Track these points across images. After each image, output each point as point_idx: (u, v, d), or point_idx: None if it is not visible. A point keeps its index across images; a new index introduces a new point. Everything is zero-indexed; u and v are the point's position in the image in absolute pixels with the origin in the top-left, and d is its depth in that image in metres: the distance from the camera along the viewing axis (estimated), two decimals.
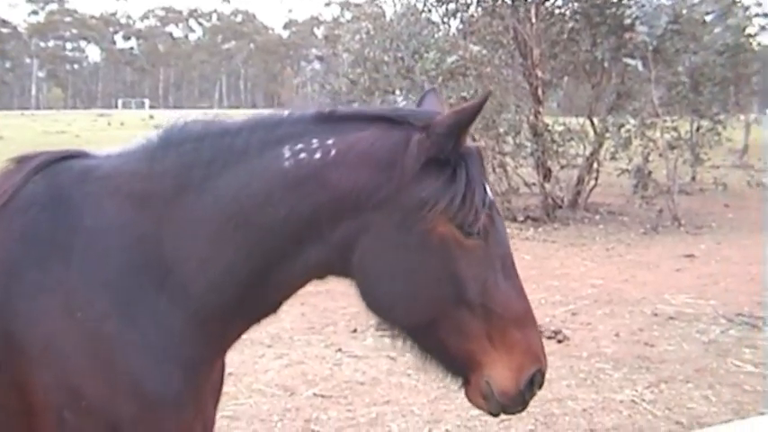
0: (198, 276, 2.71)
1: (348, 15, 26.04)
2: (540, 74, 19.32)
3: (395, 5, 22.79)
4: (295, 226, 2.69)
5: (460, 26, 21.44)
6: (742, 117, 29.73)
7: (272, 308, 2.88)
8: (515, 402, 2.76)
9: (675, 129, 18.84)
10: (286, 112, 2.87)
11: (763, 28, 22.33)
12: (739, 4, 21.33)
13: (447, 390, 6.43)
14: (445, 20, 21.65)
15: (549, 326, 9.60)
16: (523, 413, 7.03)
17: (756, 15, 21.90)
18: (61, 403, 2.60)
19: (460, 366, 2.74)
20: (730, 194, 20.67)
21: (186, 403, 2.74)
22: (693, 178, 23.05)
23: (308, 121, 2.79)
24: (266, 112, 2.99)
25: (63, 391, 2.60)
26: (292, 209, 2.68)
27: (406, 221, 2.63)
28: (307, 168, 2.68)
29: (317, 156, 2.69)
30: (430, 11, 21.53)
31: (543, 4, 19.94)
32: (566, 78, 21.10)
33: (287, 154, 2.70)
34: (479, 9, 20.85)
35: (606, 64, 19.39)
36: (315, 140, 2.72)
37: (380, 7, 24.86)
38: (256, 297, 2.79)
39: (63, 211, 2.73)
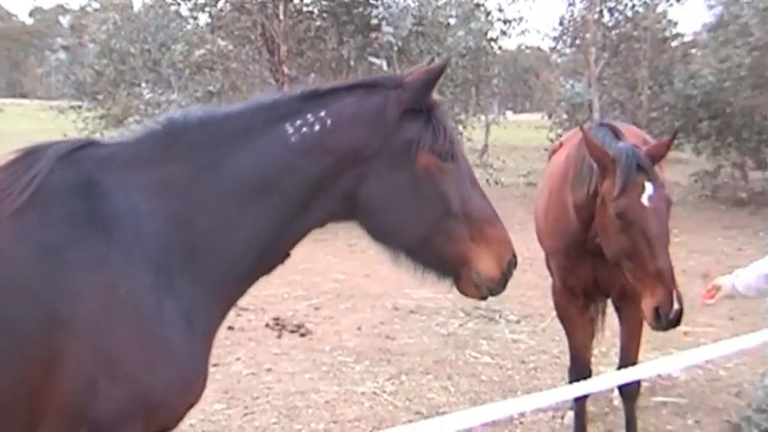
0: (226, 246, 3.19)
1: (95, 5, 25.13)
2: (286, 70, 19.60)
3: None
4: (306, 187, 3.26)
5: (209, 20, 21.37)
6: (483, 117, 31.39)
7: (282, 259, 3.43)
8: (500, 285, 3.44)
9: None
10: (278, 95, 3.44)
11: (503, 32, 23.70)
12: (482, 9, 22.57)
13: None
14: (193, 13, 21.51)
15: (291, 320, 9.80)
16: (267, 406, 7.14)
17: (498, 20, 23.23)
18: (97, 373, 2.92)
19: (453, 267, 3.39)
20: None
21: (205, 365, 3.24)
22: None
23: (299, 99, 3.34)
24: (260, 96, 3.50)
25: (100, 362, 2.92)
26: (303, 174, 3.24)
27: (397, 161, 3.28)
28: (310, 140, 3.25)
29: (317, 128, 3.26)
30: (178, 4, 21.39)
31: (291, 1, 20.16)
32: (312, 75, 21.40)
33: (290, 130, 3.26)
34: (228, 4, 20.86)
35: (352, 62, 19.96)
36: (309, 115, 3.28)
37: None
38: (273, 252, 3.36)
39: (95, 196, 3.05)
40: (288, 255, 3.44)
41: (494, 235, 3.39)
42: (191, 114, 3.35)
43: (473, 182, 3.46)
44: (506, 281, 3.45)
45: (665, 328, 4.93)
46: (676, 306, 4.82)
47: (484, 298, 3.54)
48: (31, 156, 3.14)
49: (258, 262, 3.32)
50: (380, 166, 3.29)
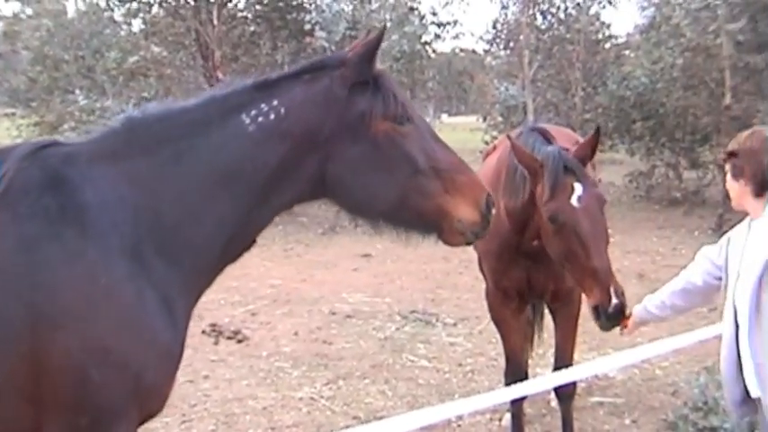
0: (194, 234, 3.29)
1: (28, 11, 24.68)
2: (221, 75, 19.56)
3: (76, 3, 22.23)
4: (268, 173, 3.37)
5: (143, 26, 21.22)
6: None
7: (249, 245, 3.53)
8: (483, 227, 3.56)
9: None
10: (230, 87, 3.53)
11: (437, 36, 23.71)
12: (416, 13, 22.62)
13: None
14: (127, 19, 21.31)
15: (228, 326, 9.72)
16: (204, 413, 7.06)
17: (432, 23, 23.26)
18: (86, 363, 2.99)
19: (434, 221, 3.52)
20: None
21: (182, 346, 3.36)
22: None
23: (251, 90, 3.47)
24: (213, 90, 3.65)
25: (89, 352, 2.99)
26: (264, 161, 3.36)
27: (355, 135, 3.42)
28: (267, 128, 3.38)
29: (272, 116, 3.39)
30: (112, 10, 21.09)
31: (225, 6, 20.11)
32: None
33: (247, 120, 3.38)
34: (162, 10, 20.71)
35: (286, 67, 19.79)
36: (263, 105, 3.41)
37: (62, 4, 23.87)
38: (240, 239, 3.46)
39: (66, 191, 3.12)
40: (254, 241, 3.54)
41: (465, 181, 3.54)
42: (149, 110, 3.48)
43: (434, 137, 3.60)
44: (488, 221, 3.59)
45: (609, 326, 4.97)
46: (615, 300, 4.85)
47: (469, 243, 3.71)
48: None
49: (226, 249, 3.43)
50: (340, 143, 3.42)
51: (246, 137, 3.37)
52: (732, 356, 4.14)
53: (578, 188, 5.02)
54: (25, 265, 2.97)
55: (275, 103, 3.42)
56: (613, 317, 4.88)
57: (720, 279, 4.41)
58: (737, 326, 4.13)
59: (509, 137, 5.39)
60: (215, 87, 3.68)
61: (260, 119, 3.39)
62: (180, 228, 3.27)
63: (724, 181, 4.41)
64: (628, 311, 4.87)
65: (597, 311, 4.88)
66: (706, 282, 4.56)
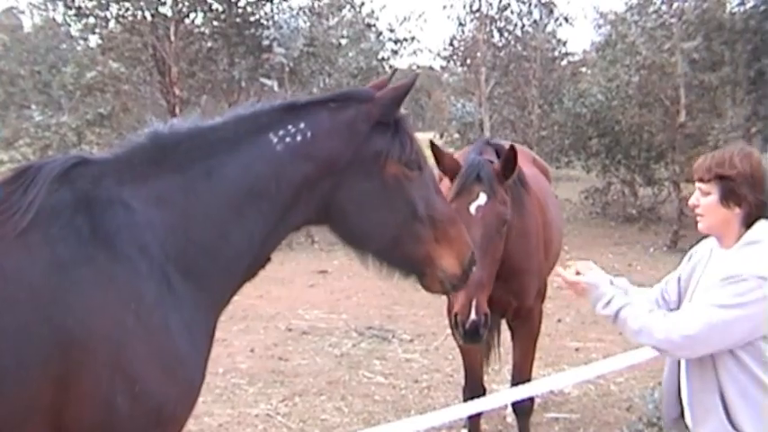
0: (223, 252, 3.34)
1: None
2: (177, 92, 19.48)
3: (32, 18, 21.92)
4: (290, 193, 3.45)
5: (99, 42, 21.01)
6: None
7: (265, 263, 3.60)
8: (461, 280, 3.73)
9: None
10: (257, 106, 3.60)
11: (395, 52, 23.79)
12: (373, 29, 22.73)
13: None
14: (84, 35, 21.06)
15: None
16: None
17: (389, 40, 23.34)
18: (114, 390, 2.98)
19: (419, 266, 3.66)
20: None
21: (203, 374, 3.35)
22: None
23: (279, 111, 3.54)
24: (239, 108, 3.67)
25: (118, 378, 2.98)
26: (289, 180, 3.44)
27: (368, 170, 3.54)
28: (294, 149, 3.45)
29: (299, 138, 3.47)
30: (69, 25, 20.81)
31: (182, 22, 20.04)
32: (204, 97, 21.28)
33: (275, 140, 3.45)
34: (118, 25, 20.54)
35: (244, 83, 19.95)
36: (290, 126, 3.48)
37: (18, 19, 23.63)
38: (258, 258, 3.53)
39: (96, 212, 3.12)
40: (269, 259, 3.62)
41: (455, 235, 3.70)
42: (176, 127, 3.49)
43: (436, 188, 3.77)
44: (467, 276, 3.76)
45: (465, 339, 5.08)
46: (473, 317, 4.98)
47: (447, 292, 4.00)
48: (24, 176, 3.20)
49: (249, 267, 3.51)
50: (352, 174, 3.53)
51: (274, 156, 3.44)
52: (672, 379, 4.03)
53: (482, 198, 5.18)
54: (56, 287, 2.97)
55: (302, 125, 3.50)
56: (470, 333, 5.03)
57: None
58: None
59: (431, 142, 5.51)
60: (238, 106, 3.73)
61: (287, 139, 3.47)
62: (208, 246, 3.32)
63: (680, 199, 4.23)
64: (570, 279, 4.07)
65: (456, 319, 5.09)
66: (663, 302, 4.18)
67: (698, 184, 3.82)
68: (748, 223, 3.72)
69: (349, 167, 3.52)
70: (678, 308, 3.98)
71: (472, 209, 5.14)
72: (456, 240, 3.70)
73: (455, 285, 3.76)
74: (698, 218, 3.84)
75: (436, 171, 5.24)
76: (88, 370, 2.95)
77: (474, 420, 6.22)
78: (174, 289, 3.17)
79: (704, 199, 3.78)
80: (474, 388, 6.16)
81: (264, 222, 3.43)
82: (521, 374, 6.13)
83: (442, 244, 3.65)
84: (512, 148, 5.38)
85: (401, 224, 3.59)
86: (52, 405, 2.94)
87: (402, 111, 3.70)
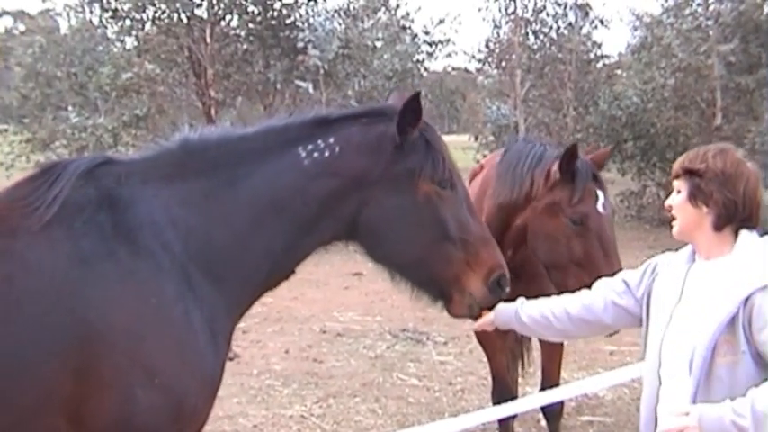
0: (242, 259, 3.37)
1: (21, 28, 24.74)
2: (213, 93, 19.65)
3: (69, 20, 22.25)
4: (315, 208, 3.47)
5: (136, 43, 21.20)
6: None
7: (288, 275, 3.65)
8: (491, 301, 3.73)
9: None
10: (290, 118, 3.64)
11: (430, 54, 23.86)
12: (408, 31, 22.80)
13: None
14: (120, 36, 21.30)
15: None
16: None
17: (424, 42, 23.40)
18: (133, 382, 3.02)
19: (446, 288, 3.65)
20: None
21: (222, 371, 3.40)
22: None
23: (310, 125, 3.57)
24: (270, 120, 3.73)
25: (137, 370, 3.03)
26: (314, 195, 3.46)
27: (399, 188, 3.52)
28: (321, 164, 3.47)
29: (327, 153, 3.49)
30: (105, 27, 21.06)
31: (218, 24, 20.16)
32: (239, 99, 21.43)
33: (303, 154, 3.49)
34: (155, 27, 20.70)
35: (279, 86, 20.03)
36: (320, 141, 3.51)
37: (55, 21, 23.95)
38: (281, 268, 3.57)
39: (119, 209, 3.19)
40: (293, 271, 3.66)
41: (486, 257, 3.65)
42: (206, 134, 3.54)
43: (470, 207, 3.72)
44: (498, 299, 3.76)
45: None
46: None
47: (473, 317, 3.86)
48: (50, 172, 3.27)
49: (269, 276, 3.54)
50: (381, 192, 3.52)
51: (301, 170, 3.47)
52: (649, 416, 3.48)
53: (601, 196, 5.20)
54: (79, 280, 3.03)
55: (331, 140, 3.51)
56: None
57: (629, 312, 3.78)
58: (661, 382, 3.44)
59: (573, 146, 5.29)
60: (271, 117, 3.81)
61: (315, 154, 3.49)
62: (229, 252, 3.35)
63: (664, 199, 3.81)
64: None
65: None
66: (609, 311, 3.82)
67: (674, 182, 3.51)
68: (719, 227, 3.34)
69: (378, 184, 3.52)
70: (641, 320, 3.66)
71: (599, 207, 5.16)
72: (487, 262, 3.65)
73: (482, 307, 3.77)
74: (672, 222, 3.51)
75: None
76: (108, 362, 3.00)
77: (506, 423, 6.21)
78: (195, 286, 3.22)
79: (676, 197, 3.45)
80: (502, 392, 6.15)
81: (287, 235, 3.46)
82: (549, 377, 6.13)
83: (474, 267, 3.62)
84: (574, 145, 5.34)
85: (431, 244, 3.57)
86: (71, 397, 2.98)
87: (428, 123, 3.67)
